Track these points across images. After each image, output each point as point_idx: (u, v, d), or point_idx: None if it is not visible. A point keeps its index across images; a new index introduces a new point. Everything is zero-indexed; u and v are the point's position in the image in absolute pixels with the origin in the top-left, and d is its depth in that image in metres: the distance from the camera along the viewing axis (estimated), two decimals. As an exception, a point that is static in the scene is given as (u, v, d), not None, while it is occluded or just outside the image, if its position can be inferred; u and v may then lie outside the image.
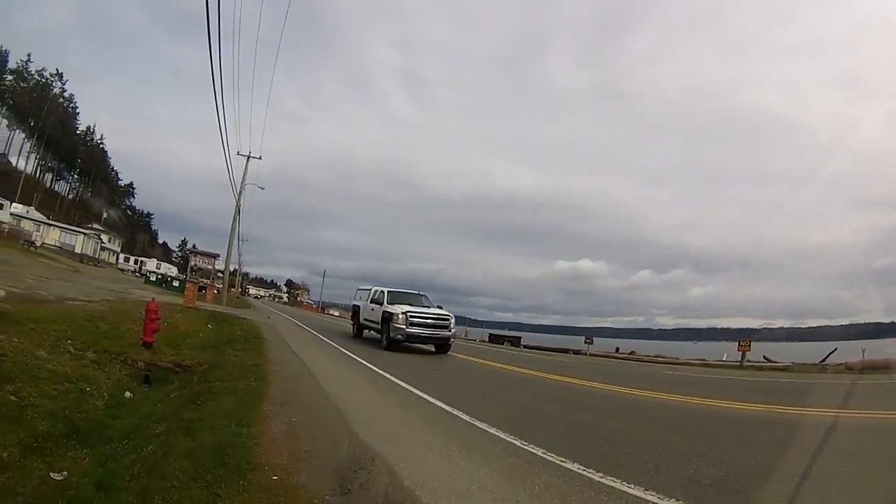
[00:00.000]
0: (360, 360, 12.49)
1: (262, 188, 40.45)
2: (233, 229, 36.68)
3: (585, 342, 33.22)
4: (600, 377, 14.02)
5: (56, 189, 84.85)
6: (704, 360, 30.32)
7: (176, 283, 43.37)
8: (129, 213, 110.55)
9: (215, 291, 38.37)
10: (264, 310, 42.53)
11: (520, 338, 38.97)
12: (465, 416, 6.36)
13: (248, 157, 36.26)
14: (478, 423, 6.01)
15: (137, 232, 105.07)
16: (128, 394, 7.64)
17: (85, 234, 55.44)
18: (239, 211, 36.22)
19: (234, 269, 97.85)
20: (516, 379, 12.45)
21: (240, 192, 35.65)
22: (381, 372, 10.31)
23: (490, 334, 42.24)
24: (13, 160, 73.89)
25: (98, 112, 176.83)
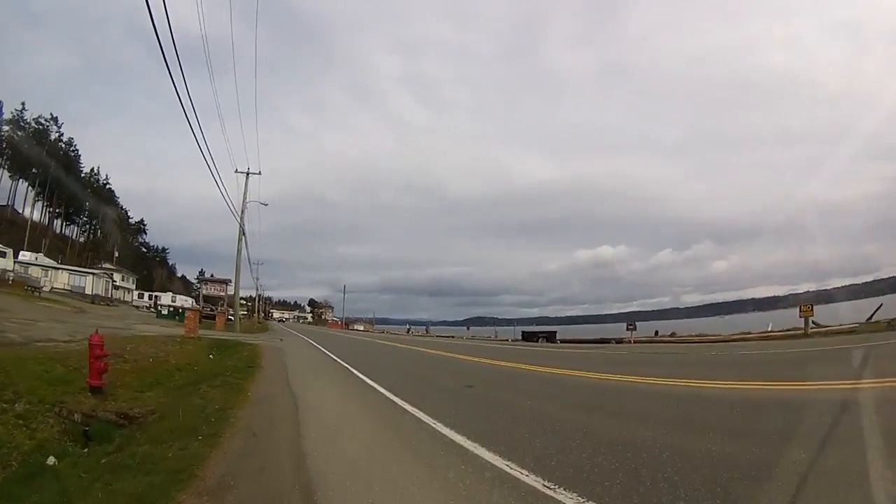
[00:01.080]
0: (370, 382, 10.05)
1: (265, 204, 38.60)
2: (239, 251, 34.65)
3: (628, 328, 31.11)
4: (678, 370, 11.34)
5: (66, 233, 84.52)
6: (750, 332, 28.41)
7: (188, 314, 41.61)
8: (144, 249, 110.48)
9: (225, 318, 36.44)
10: (282, 333, 40.72)
11: (555, 332, 36.98)
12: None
13: (248, 174, 34.40)
14: None
15: (154, 268, 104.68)
16: (51, 459, 5.92)
17: (95, 274, 54.24)
18: (244, 231, 34.27)
19: (251, 296, 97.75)
20: (577, 387, 9.58)
21: (242, 209, 33.77)
22: (396, 400, 7.76)
23: (523, 332, 40.05)
24: (20, 209, 73.73)
25: (104, 154, 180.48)
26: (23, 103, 74.27)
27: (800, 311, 23.89)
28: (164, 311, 45.97)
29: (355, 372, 12.30)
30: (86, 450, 6.52)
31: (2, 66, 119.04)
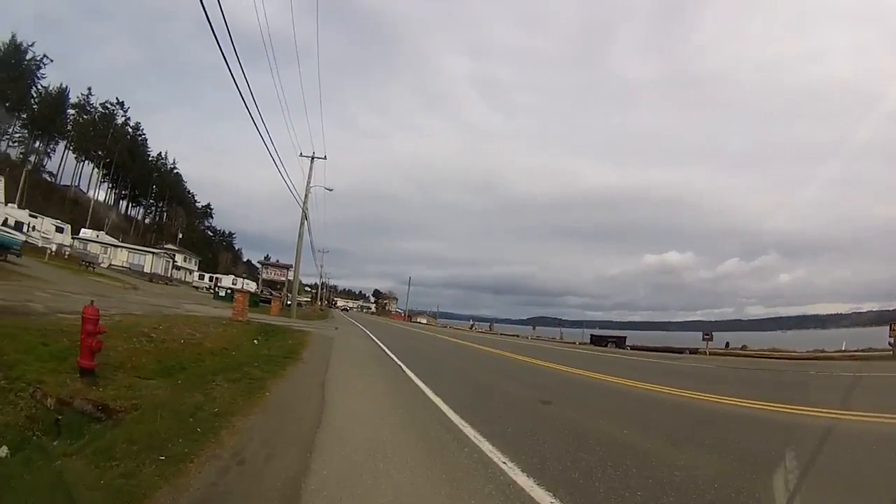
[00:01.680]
0: (424, 388, 8.04)
1: (330, 189, 37.14)
2: (300, 236, 33.48)
3: (704, 338, 29.73)
4: (798, 394, 9.53)
5: (132, 215, 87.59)
6: (823, 350, 28.00)
7: (244, 297, 41.05)
8: (210, 233, 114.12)
9: (281, 303, 35.49)
10: (340, 321, 39.48)
11: (624, 338, 34.71)
12: None
13: (312, 157, 33.03)
14: None
15: (220, 251, 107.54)
16: (4, 450, 4.34)
17: (154, 253, 55.10)
18: (306, 216, 32.96)
19: (315, 283, 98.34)
20: (679, 410, 7.49)
21: (305, 194, 32.51)
22: (454, 419, 5.80)
23: (592, 336, 38.29)
24: (85, 189, 76.57)
25: (174, 142, 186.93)
26: (89, 88, 76.95)
27: (890, 329, 23.39)
28: (222, 293, 45.49)
29: (408, 373, 10.20)
30: (56, 442, 4.83)
31: (74, 56, 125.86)
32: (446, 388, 7.93)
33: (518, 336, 47.20)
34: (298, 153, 33.08)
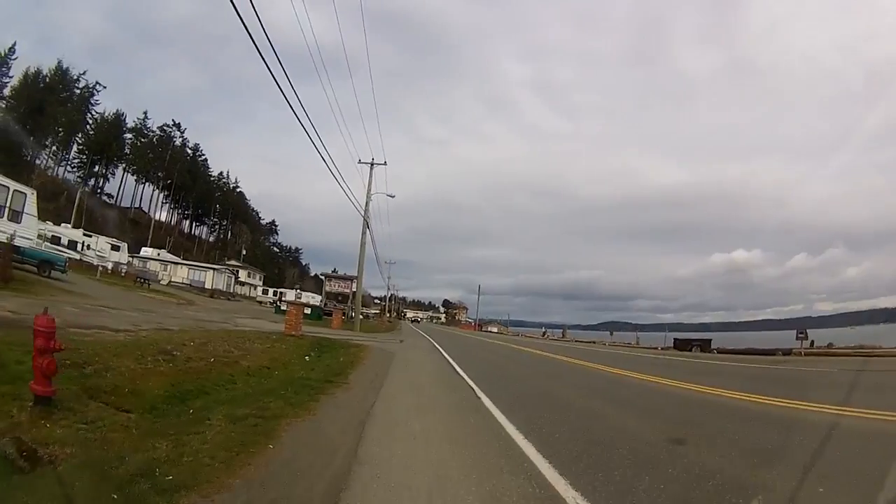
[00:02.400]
0: (508, 427, 5.80)
1: (392, 196, 35.39)
2: (362, 245, 31.96)
3: (798, 337, 26.86)
4: None
5: (196, 233, 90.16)
6: None
7: (307, 311, 40.04)
8: (276, 249, 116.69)
9: (342, 316, 33.77)
10: (408, 333, 38.19)
11: (709, 340, 31.83)
12: None
13: (372, 164, 31.47)
14: None
15: (286, 267, 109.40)
16: None
17: (215, 269, 55.36)
18: (368, 225, 31.38)
19: (380, 296, 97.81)
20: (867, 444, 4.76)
21: (366, 202, 31.08)
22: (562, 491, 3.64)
23: (675, 340, 34.78)
24: (146, 209, 79.14)
25: (239, 161, 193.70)
26: (145, 112, 79.96)
27: None
28: (283, 307, 44.79)
29: (488, 405, 7.34)
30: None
31: (134, 82, 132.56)
32: (544, 427, 5.63)
33: (594, 342, 44.46)
34: (357, 161, 31.32)
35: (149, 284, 35.32)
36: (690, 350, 29.33)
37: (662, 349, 32.08)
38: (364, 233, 30.96)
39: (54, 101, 62.75)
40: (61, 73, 66.78)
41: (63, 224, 39.24)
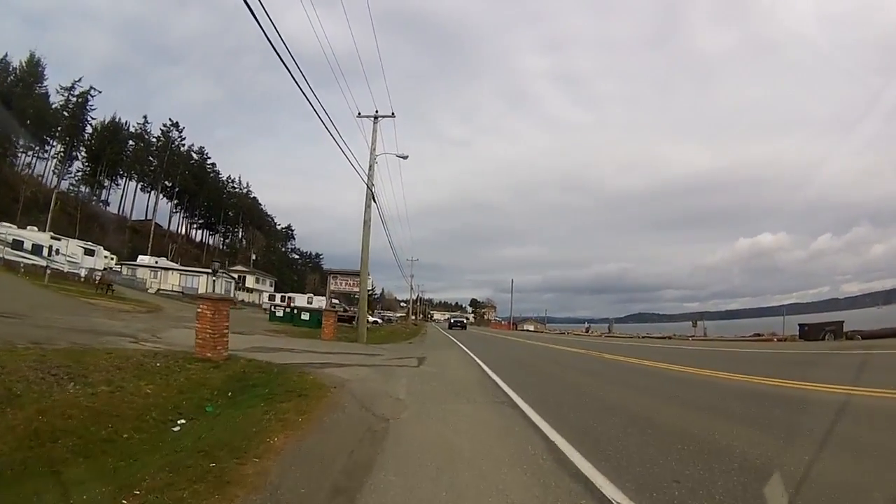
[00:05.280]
0: None
1: (405, 157, 27.97)
2: (365, 223, 23.52)
3: None
4: None
5: (204, 241, 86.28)
6: None
7: (305, 316, 34.10)
8: (296, 255, 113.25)
9: (334, 321, 22.28)
10: (434, 338, 33.04)
11: (842, 322, 24.71)
12: None
13: (376, 117, 24.24)
14: None
15: (306, 273, 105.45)
16: None
17: (208, 274, 50.36)
18: (373, 196, 23.69)
19: (405, 298, 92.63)
20: None
21: (370, 165, 23.43)
22: None
23: (801, 326, 26.91)
24: (147, 217, 75.19)
25: (259, 171, 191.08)
26: (144, 117, 75.72)
27: None
28: (279, 313, 38.97)
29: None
30: None
31: (149, 99, 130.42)
32: None
33: (645, 336, 39.28)
34: (357, 114, 24.26)
35: (111, 290, 30.03)
36: (822, 338, 22.92)
37: (780, 340, 25.70)
38: (368, 206, 23.34)
39: (24, 94, 58.41)
40: (34, 65, 62.82)
41: (29, 227, 35.44)
